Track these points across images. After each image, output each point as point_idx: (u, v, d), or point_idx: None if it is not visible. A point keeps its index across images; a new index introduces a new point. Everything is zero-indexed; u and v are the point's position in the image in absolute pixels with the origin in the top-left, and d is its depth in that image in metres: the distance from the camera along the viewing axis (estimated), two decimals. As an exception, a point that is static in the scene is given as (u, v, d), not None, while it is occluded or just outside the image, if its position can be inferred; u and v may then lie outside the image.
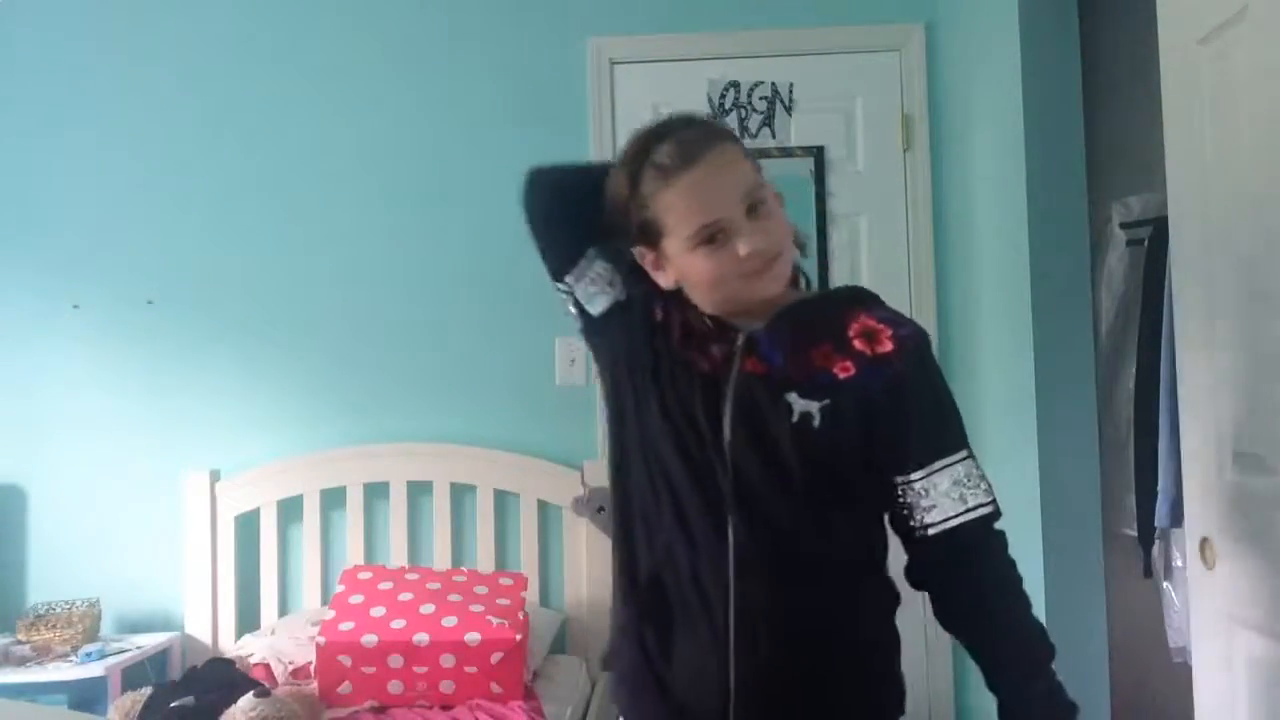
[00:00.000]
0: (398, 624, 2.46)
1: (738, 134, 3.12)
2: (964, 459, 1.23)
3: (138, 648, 2.82)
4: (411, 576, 2.69)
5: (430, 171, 3.17)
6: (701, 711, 1.23)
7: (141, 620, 3.06)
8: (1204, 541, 1.72)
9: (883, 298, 1.36)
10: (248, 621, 3.03)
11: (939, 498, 1.22)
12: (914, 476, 1.23)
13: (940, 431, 1.25)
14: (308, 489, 3.05)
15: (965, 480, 1.22)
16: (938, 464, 1.22)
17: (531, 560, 3.03)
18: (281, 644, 2.71)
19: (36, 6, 3.20)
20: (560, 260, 1.40)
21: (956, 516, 1.21)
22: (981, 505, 1.22)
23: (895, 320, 1.28)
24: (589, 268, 1.38)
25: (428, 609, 2.50)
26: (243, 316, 3.15)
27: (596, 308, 1.38)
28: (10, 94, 3.20)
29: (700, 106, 3.13)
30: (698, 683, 1.24)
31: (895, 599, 1.31)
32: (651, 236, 1.27)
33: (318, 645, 2.44)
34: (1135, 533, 2.43)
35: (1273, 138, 1.54)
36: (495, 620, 2.48)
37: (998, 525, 1.25)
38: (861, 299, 1.32)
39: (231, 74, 3.20)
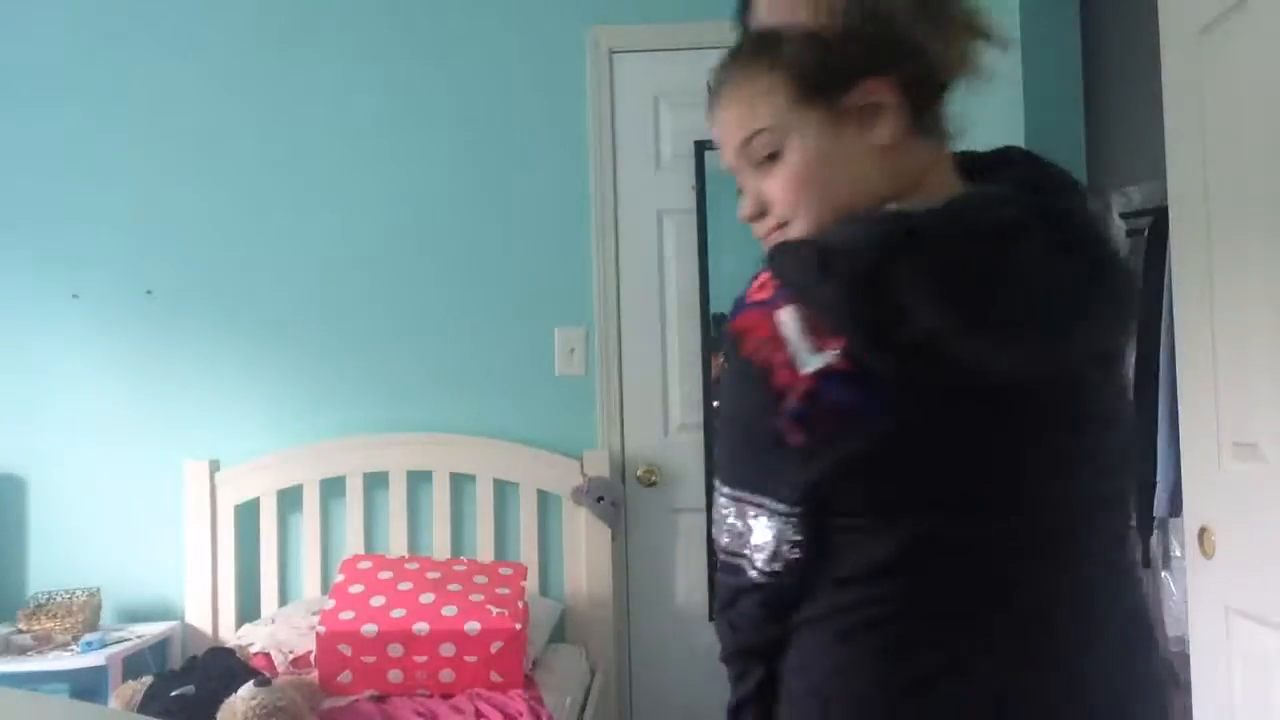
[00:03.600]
0: (397, 613, 2.47)
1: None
2: (724, 492, 0.98)
3: (138, 637, 2.83)
4: (411, 566, 2.69)
5: (429, 162, 3.16)
6: None
7: (142, 609, 3.07)
8: (1202, 531, 1.73)
9: None
10: (248, 611, 3.03)
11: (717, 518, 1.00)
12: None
13: (720, 447, 1.01)
14: (307, 478, 3.05)
15: (722, 514, 0.98)
16: (717, 482, 1.00)
17: (531, 550, 3.03)
18: (281, 633, 2.71)
19: (41, 13, 3.19)
20: None
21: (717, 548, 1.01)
22: (723, 552, 0.99)
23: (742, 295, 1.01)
24: None
25: (427, 598, 2.51)
26: (242, 306, 3.15)
27: None
28: (9, 84, 3.19)
29: (700, 96, 3.12)
30: None
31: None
32: None
33: (318, 634, 2.44)
34: (1133, 522, 2.44)
35: (1273, 128, 1.53)
36: (495, 610, 2.49)
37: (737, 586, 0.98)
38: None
39: (231, 64, 3.18)
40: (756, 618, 0.96)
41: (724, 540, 0.97)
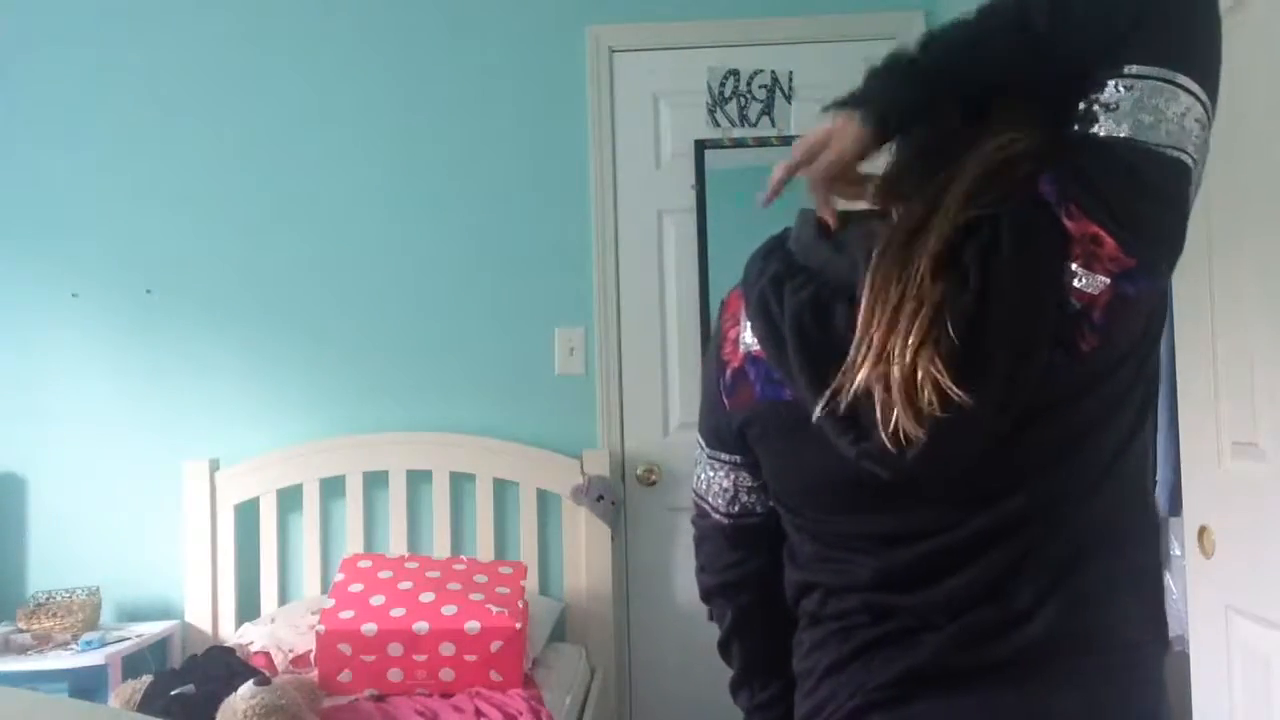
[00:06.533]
0: (397, 612, 2.47)
1: (737, 122, 3.14)
2: (698, 441, 1.14)
3: (138, 636, 2.83)
4: (411, 565, 2.69)
5: (430, 161, 3.16)
6: None
7: (141, 609, 3.07)
8: (1202, 530, 1.73)
9: None
10: (248, 610, 3.03)
11: None
12: None
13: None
14: (307, 478, 3.05)
15: (696, 460, 1.16)
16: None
17: (531, 549, 3.03)
18: (281, 632, 2.71)
19: (39, 3, 3.19)
20: None
21: None
22: (694, 494, 1.20)
23: None
24: None
25: (427, 597, 2.51)
26: (242, 306, 3.15)
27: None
28: (11, 85, 3.19)
29: (700, 95, 3.13)
30: None
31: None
32: None
33: (318, 633, 2.45)
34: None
35: (1272, 129, 1.53)
36: (495, 609, 2.49)
37: None
38: None
39: (230, 66, 3.18)
40: (722, 556, 1.10)
41: (694, 485, 1.13)
